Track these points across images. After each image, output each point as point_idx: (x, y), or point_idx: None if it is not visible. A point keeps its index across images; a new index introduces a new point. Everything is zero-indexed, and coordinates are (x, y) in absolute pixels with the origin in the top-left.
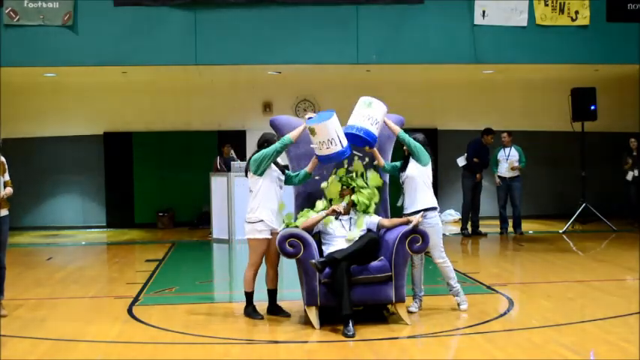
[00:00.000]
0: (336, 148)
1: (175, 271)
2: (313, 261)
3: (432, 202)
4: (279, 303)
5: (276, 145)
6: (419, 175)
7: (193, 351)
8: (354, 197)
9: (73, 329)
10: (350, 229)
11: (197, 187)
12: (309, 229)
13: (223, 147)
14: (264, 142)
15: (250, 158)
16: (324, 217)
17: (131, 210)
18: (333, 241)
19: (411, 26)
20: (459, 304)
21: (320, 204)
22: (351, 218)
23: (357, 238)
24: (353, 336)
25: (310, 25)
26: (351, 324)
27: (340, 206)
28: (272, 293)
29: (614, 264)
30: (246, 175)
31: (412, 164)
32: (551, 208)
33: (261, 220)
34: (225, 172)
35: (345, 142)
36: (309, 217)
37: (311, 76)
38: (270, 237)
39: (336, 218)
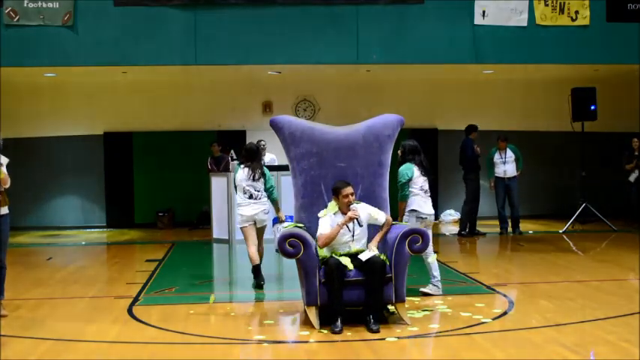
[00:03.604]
0: None
1: (175, 271)
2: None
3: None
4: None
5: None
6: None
7: (193, 351)
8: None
9: (73, 329)
10: (354, 232)
11: (197, 187)
12: (330, 241)
13: (212, 146)
14: (257, 149)
15: (266, 171)
16: (342, 227)
17: (131, 210)
18: (336, 242)
19: (411, 26)
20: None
21: (332, 205)
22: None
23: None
24: (340, 332)
25: (310, 25)
26: (339, 320)
27: (356, 212)
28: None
29: (614, 264)
30: (255, 179)
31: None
32: (551, 208)
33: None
34: (224, 172)
35: None
36: (325, 219)
37: (311, 76)
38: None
39: (360, 225)
